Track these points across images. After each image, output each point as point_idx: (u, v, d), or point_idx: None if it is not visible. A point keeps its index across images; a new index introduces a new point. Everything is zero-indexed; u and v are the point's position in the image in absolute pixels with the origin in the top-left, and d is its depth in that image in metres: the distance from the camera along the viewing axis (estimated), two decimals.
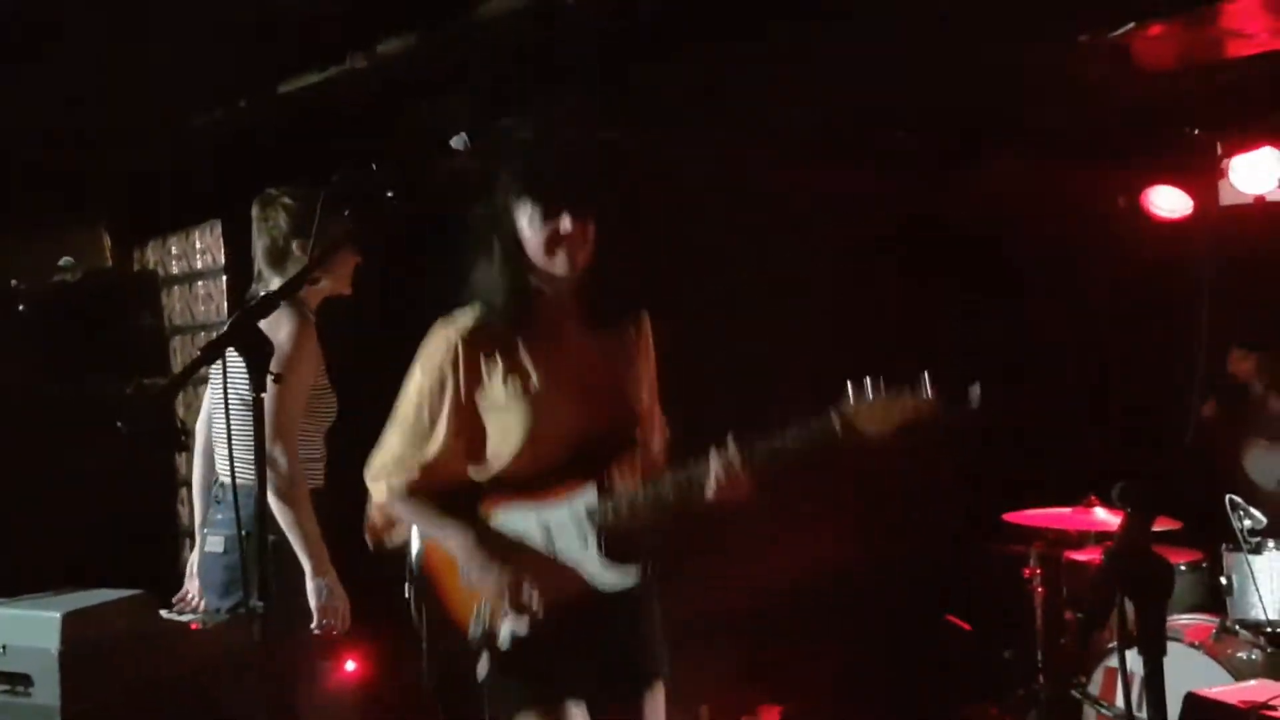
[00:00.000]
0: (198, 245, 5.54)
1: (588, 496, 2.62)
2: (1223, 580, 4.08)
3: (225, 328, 2.35)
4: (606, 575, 2.62)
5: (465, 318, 2.69)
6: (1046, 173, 5.03)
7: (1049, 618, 4.52)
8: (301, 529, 3.26)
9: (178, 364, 5.53)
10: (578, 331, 2.71)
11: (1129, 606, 1.60)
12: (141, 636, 3.21)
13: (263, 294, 3.20)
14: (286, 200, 3.41)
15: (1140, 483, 1.75)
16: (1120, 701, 4.02)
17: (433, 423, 2.65)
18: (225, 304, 5.28)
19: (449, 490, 2.71)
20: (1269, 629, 3.89)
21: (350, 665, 4.26)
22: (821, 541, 4.84)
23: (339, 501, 3.71)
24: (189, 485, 5.64)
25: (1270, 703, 2.97)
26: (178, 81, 4.32)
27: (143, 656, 3.19)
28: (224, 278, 5.33)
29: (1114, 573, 1.58)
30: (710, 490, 2.51)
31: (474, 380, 2.65)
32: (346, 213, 2.74)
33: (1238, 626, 3.91)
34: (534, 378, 2.64)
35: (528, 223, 2.60)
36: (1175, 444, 4.42)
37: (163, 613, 3.36)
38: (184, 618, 3.40)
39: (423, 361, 2.70)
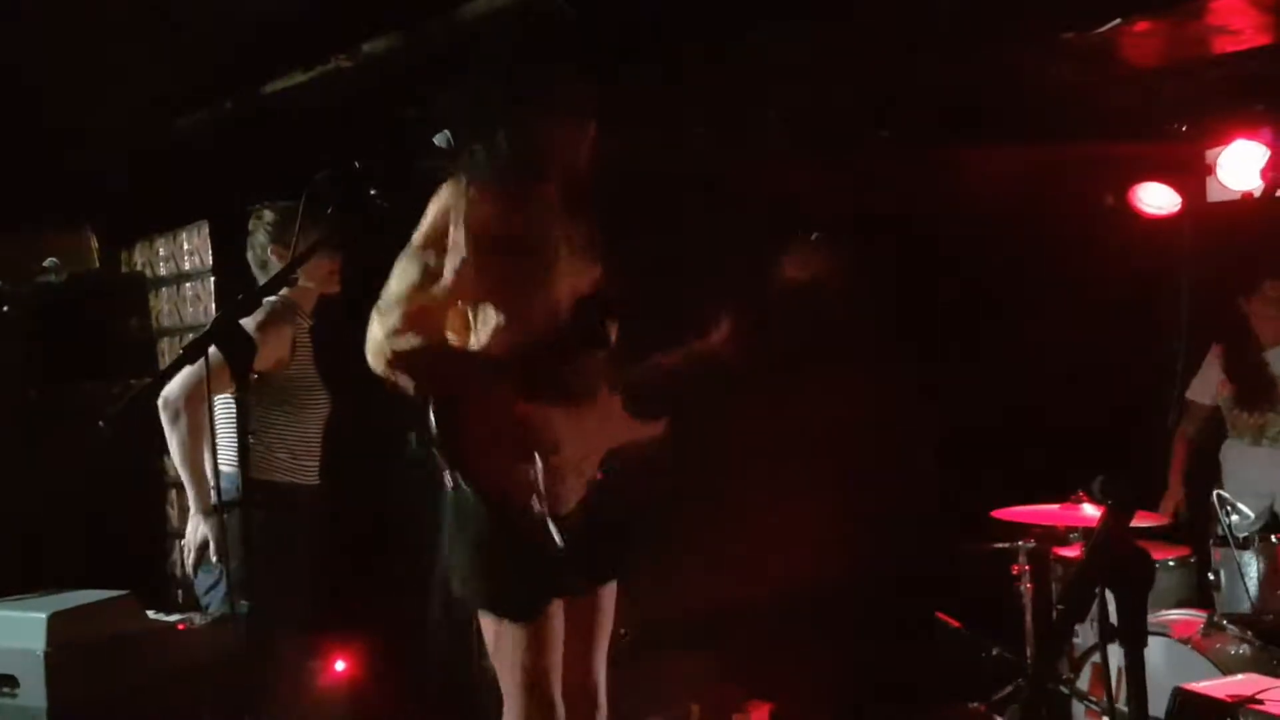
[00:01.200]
0: (185, 246, 5.53)
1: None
2: (1210, 576, 4.10)
3: (207, 327, 2.37)
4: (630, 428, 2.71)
5: (468, 172, 2.69)
6: (1033, 170, 5.04)
7: (1037, 614, 4.53)
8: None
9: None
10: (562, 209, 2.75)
11: (1110, 599, 1.61)
12: (128, 638, 3.21)
13: (240, 296, 3.25)
14: (266, 212, 3.58)
15: (1120, 476, 1.76)
16: (1104, 696, 4.04)
17: (427, 256, 2.64)
18: (213, 305, 5.28)
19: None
20: (1256, 623, 3.90)
21: (340, 665, 4.26)
22: (810, 538, 4.84)
23: (331, 501, 3.73)
24: (178, 486, 5.65)
25: (1258, 696, 2.97)
26: (163, 82, 4.31)
27: (129, 658, 3.18)
28: (212, 279, 5.32)
29: (1094, 565, 1.58)
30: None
31: (481, 229, 2.62)
32: (330, 211, 2.75)
33: (1225, 621, 3.91)
34: (541, 239, 2.66)
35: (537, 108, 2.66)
36: (1159, 439, 4.44)
37: (149, 613, 3.36)
38: (171, 618, 3.40)
39: (429, 209, 2.70)
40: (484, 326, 2.68)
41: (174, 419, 3.37)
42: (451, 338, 2.72)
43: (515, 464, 2.61)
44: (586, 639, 2.80)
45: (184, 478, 3.44)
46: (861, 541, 5.12)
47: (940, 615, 5.19)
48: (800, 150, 4.79)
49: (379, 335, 2.64)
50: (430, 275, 2.63)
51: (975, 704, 4.95)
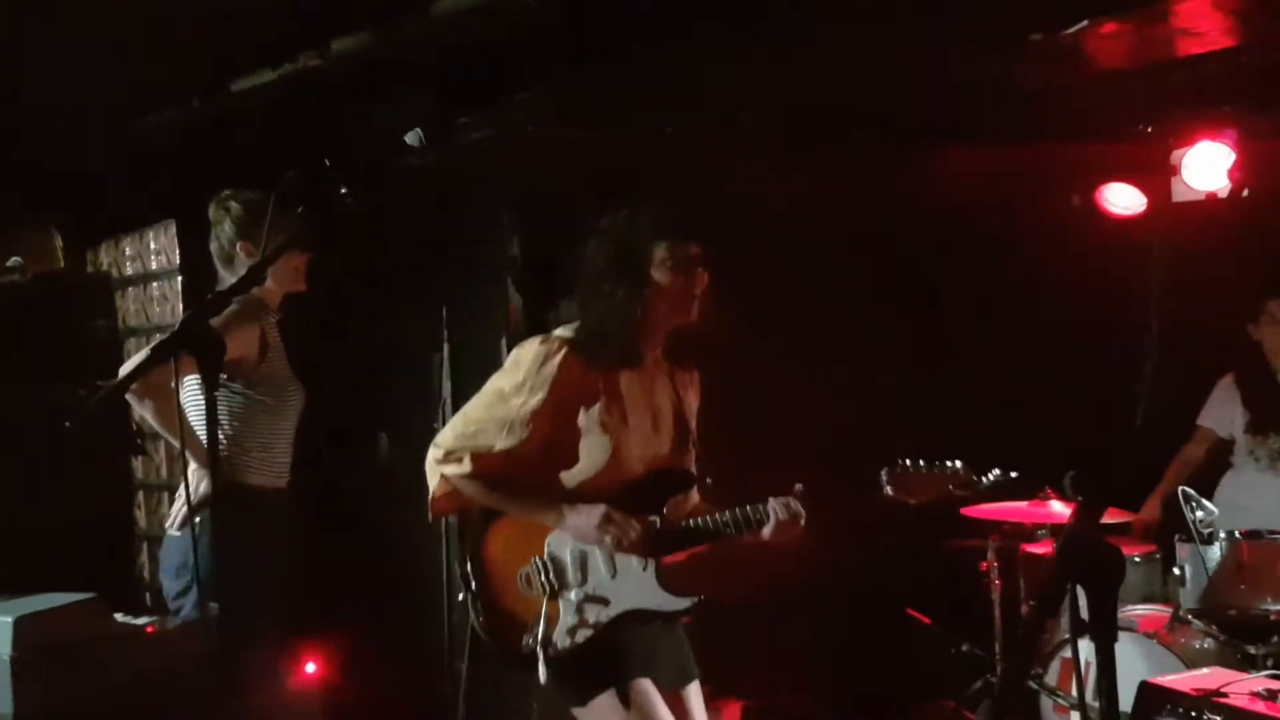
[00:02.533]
0: (152, 246, 5.48)
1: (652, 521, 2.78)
2: (1176, 571, 4.14)
3: (175, 328, 2.36)
4: (658, 598, 2.78)
5: (567, 333, 2.81)
6: (1000, 171, 5.07)
7: (1006, 610, 4.57)
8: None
9: None
10: (660, 367, 2.90)
11: (1081, 595, 1.62)
12: (95, 641, 3.17)
13: (209, 294, 3.23)
14: (233, 204, 3.51)
15: (1091, 472, 1.78)
16: (1073, 691, 4.07)
17: (519, 418, 2.75)
18: (180, 305, 5.24)
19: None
20: (1221, 618, 3.93)
21: (311, 667, 4.23)
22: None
23: (303, 502, 3.70)
24: (145, 488, 5.60)
25: (1223, 690, 3.01)
26: (131, 80, 4.27)
27: (96, 661, 3.14)
28: (179, 279, 5.28)
29: (1065, 561, 1.60)
30: (769, 529, 2.72)
31: (572, 395, 2.77)
32: (300, 210, 2.74)
33: (1191, 616, 3.96)
34: (626, 405, 2.80)
35: (666, 269, 2.75)
36: (1127, 436, 4.48)
37: (117, 616, 3.33)
38: (139, 621, 3.37)
39: (519, 362, 2.80)
40: (550, 476, 2.85)
41: (140, 399, 3.33)
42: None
43: (518, 602, 2.82)
44: None
45: (173, 440, 3.41)
46: (832, 539, 5.14)
47: (910, 612, 5.22)
48: (772, 155, 4.80)
49: (456, 475, 2.83)
50: (523, 445, 2.78)
51: (946, 700, 4.99)
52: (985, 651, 4.69)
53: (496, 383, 2.82)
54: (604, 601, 2.78)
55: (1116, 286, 5.18)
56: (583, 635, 2.77)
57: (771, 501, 2.72)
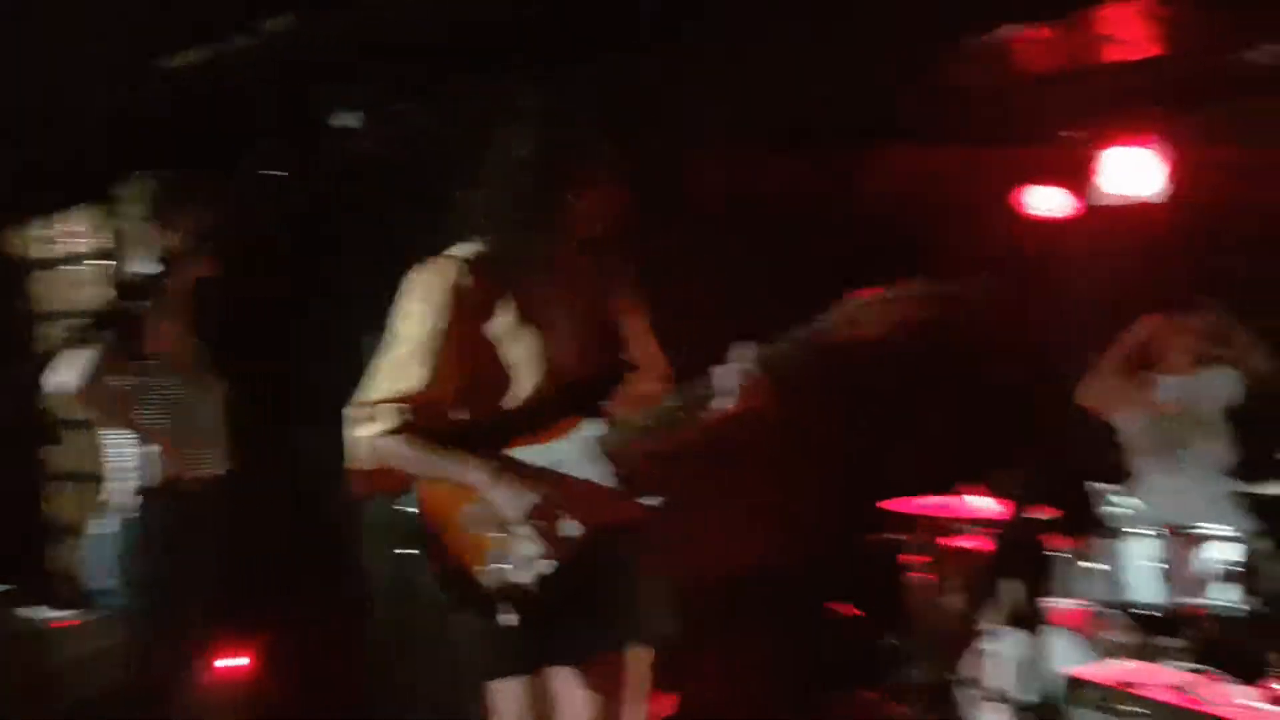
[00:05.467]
0: (70, 229, 5.36)
1: (594, 427, 2.57)
2: (1093, 565, 4.22)
3: (93, 313, 2.30)
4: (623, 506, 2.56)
5: (464, 251, 2.60)
6: (923, 172, 5.14)
7: (927, 603, 4.64)
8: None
9: None
10: (578, 270, 2.67)
11: (1009, 589, 1.65)
12: (10, 634, 3.09)
13: (125, 279, 3.15)
14: (147, 184, 3.38)
15: (1020, 472, 1.81)
16: (995, 683, 4.16)
17: (432, 359, 2.53)
18: (100, 289, 5.11)
19: (442, 434, 2.59)
20: (1139, 612, 4.02)
21: (238, 661, 4.15)
22: (708, 532, 4.88)
23: (233, 491, 3.63)
24: (59, 478, 5.47)
25: (1143, 681, 3.09)
26: (56, 59, 4.15)
27: (11, 654, 3.07)
28: (99, 262, 5.17)
29: (996, 556, 1.62)
30: (721, 399, 2.45)
31: (480, 315, 2.56)
32: (221, 189, 2.68)
33: (1109, 609, 4.04)
34: (542, 312, 2.59)
35: (569, 179, 2.54)
36: (1054, 434, 4.56)
37: (33, 609, 3.25)
38: (56, 614, 3.30)
39: (418, 295, 2.58)
40: (478, 400, 2.61)
41: (72, 409, 3.24)
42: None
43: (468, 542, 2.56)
44: (609, 706, 2.68)
45: (104, 429, 3.31)
46: (760, 534, 5.19)
47: (835, 605, 5.29)
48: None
49: (370, 436, 2.56)
50: (437, 374, 2.55)
51: (868, 690, 5.06)
52: (907, 643, 4.77)
53: (392, 325, 2.61)
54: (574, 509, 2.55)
55: (1041, 290, 5.29)
56: (540, 565, 2.56)
57: (715, 370, 2.47)
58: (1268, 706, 2.79)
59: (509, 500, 2.51)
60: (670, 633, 2.77)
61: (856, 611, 5.26)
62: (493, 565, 2.56)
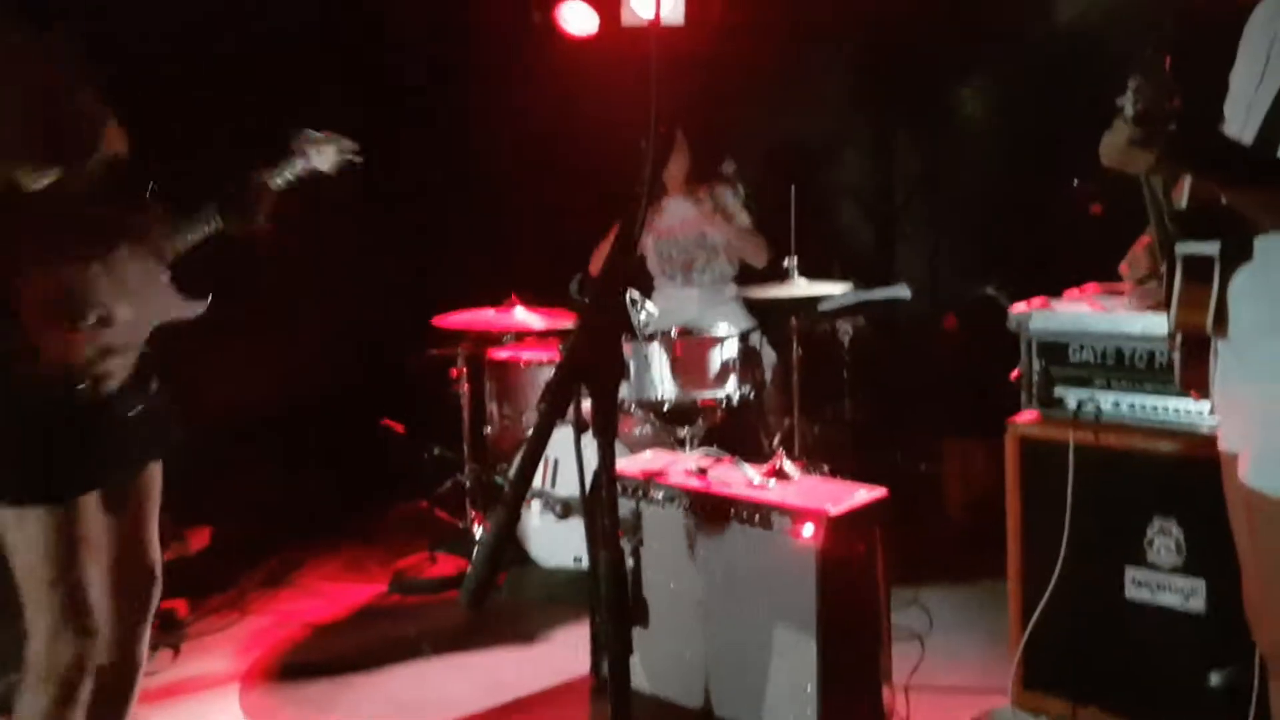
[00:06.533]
0: None
1: None
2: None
3: None
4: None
5: None
6: None
7: (474, 414, 4.84)
8: None
9: None
10: None
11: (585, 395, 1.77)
12: None
13: None
14: None
15: (591, 276, 1.94)
16: (546, 483, 4.47)
17: None
18: None
19: None
20: (657, 407, 4.44)
21: None
22: (251, 359, 4.75)
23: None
24: None
25: (662, 469, 3.41)
26: None
27: None
28: None
29: (573, 365, 1.73)
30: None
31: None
32: None
33: (634, 406, 4.42)
34: None
35: None
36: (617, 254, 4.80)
37: None
38: None
39: None
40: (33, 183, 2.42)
41: None
42: None
43: (66, 337, 2.42)
44: (138, 522, 2.66)
45: None
46: (305, 356, 5.11)
47: (385, 422, 5.38)
48: None
49: None
50: None
51: (419, 500, 5.24)
52: (455, 453, 4.96)
53: None
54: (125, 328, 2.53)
55: (568, 105, 5.48)
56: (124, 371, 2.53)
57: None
58: (770, 480, 3.19)
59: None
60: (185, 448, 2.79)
61: (400, 428, 5.38)
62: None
